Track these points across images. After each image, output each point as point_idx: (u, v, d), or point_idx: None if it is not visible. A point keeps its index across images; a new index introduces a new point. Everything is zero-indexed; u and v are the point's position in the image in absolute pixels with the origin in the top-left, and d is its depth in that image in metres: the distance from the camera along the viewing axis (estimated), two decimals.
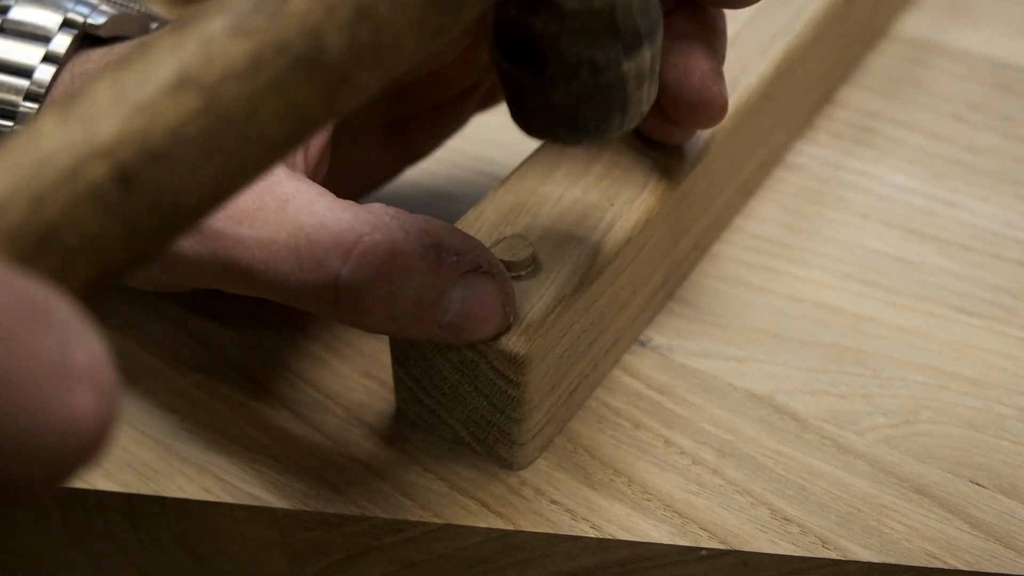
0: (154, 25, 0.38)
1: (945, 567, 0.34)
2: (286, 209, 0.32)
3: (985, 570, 0.34)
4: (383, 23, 0.24)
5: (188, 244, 0.32)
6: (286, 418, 0.39)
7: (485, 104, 0.44)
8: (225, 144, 0.22)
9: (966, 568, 0.34)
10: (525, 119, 0.31)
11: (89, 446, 0.19)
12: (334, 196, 0.33)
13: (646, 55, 0.30)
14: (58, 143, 0.21)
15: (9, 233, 0.20)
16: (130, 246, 0.22)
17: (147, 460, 0.38)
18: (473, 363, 0.35)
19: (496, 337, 0.34)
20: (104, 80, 0.22)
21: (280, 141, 0.23)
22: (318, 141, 0.36)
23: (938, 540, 0.35)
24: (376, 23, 0.24)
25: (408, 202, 0.44)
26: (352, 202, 0.33)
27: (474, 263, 0.32)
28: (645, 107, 0.32)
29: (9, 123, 0.35)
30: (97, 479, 0.37)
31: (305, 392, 0.40)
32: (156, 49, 0.22)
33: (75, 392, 0.18)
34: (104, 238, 0.21)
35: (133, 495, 0.37)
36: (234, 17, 0.23)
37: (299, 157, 0.35)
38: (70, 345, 0.19)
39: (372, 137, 0.43)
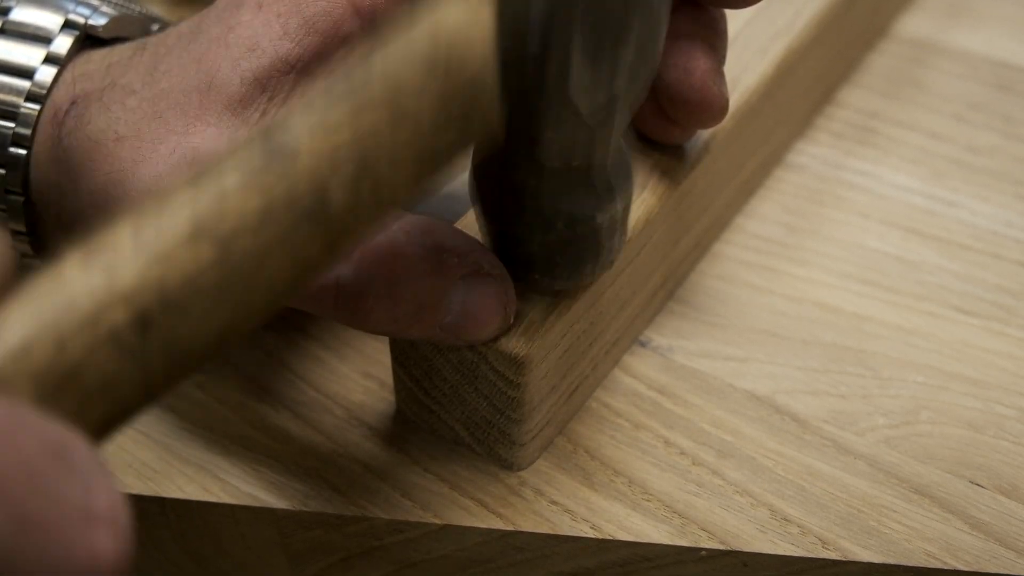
0: (155, 27, 0.38)
1: (945, 567, 0.34)
2: None
3: (985, 570, 0.34)
4: (382, 179, 0.25)
5: None
6: (286, 418, 0.39)
7: None
8: (234, 292, 0.24)
9: (966, 568, 0.34)
10: (504, 263, 0.33)
11: None
12: None
13: (618, 207, 0.33)
14: (81, 289, 0.22)
15: (33, 375, 0.21)
16: (143, 387, 0.23)
17: (147, 460, 0.38)
18: (473, 364, 0.35)
19: (496, 338, 0.34)
20: (125, 228, 0.23)
21: (284, 289, 0.25)
22: None
23: (938, 540, 0.35)
24: (376, 179, 0.25)
25: None
26: None
27: (475, 264, 0.32)
28: (615, 255, 0.34)
29: (10, 124, 0.35)
30: None
31: (305, 392, 0.40)
32: (174, 200, 0.23)
33: (97, 533, 0.20)
34: (120, 380, 0.22)
35: (133, 495, 0.37)
36: (247, 172, 0.24)
37: None
38: (92, 489, 0.20)
39: None
